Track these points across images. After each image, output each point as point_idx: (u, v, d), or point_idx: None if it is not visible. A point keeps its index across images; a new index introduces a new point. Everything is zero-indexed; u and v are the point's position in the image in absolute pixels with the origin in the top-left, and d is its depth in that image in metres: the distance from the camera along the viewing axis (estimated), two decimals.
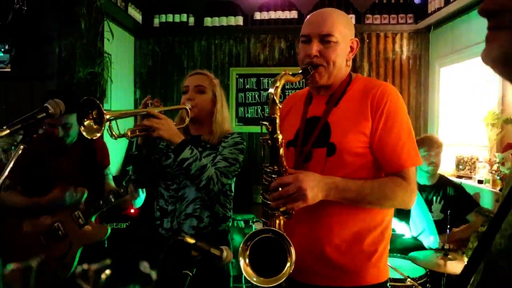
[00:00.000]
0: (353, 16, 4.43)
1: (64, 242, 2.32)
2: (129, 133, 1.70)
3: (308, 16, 1.61)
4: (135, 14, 4.47)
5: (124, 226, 3.26)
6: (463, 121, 4.09)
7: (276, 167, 1.41)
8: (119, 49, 4.49)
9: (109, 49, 3.93)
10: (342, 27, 1.53)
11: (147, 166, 1.99)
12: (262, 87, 4.77)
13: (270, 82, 4.56)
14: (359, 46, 1.63)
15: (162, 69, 4.97)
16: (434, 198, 3.08)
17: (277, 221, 1.44)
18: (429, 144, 3.13)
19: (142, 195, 2.28)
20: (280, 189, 1.36)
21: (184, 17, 4.73)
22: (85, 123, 1.57)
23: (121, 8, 4.11)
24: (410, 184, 1.47)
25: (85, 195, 2.35)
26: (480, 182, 3.48)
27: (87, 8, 3.22)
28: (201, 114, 2.06)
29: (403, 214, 3.20)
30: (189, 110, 2.00)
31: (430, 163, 3.10)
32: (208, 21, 4.70)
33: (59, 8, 3.32)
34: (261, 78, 4.79)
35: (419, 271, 2.65)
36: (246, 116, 4.79)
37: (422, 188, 3.14)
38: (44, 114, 1.38)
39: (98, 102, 1.54)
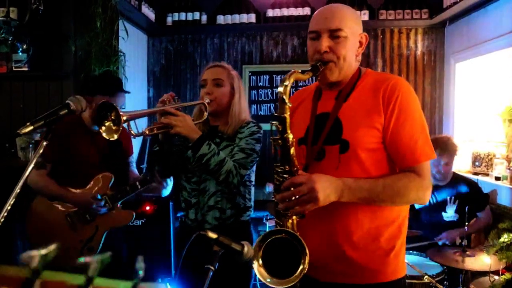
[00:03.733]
0: (366, 12, 4.39)
1: (91, 226, 2.38)
2: (147, 131, 1.74)
3: (315, 12, 1.59)
4: (149, 12, 4.49)
5: (140, 224, 3.28)
6: (479, 117, 4.04)
7: (287, 167, 1.40)
8: (132, 48, 4.51)
9: (123, 47, 3.96)
10: (351, 22, 1.51)
11: (170, 160, 2.01)
12: (275, 85, 4.77)
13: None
14: (368, 41, 1.60)
15: (175, 67, 4.98)
16: (448, 198, 3.04)
17: (290, 221, 1.43)
18: (443, 149, 3.00)
19: (170, 183, 2.33)
20: (292, 189, 1.35)
21: (196, 15, 4.74)
22: (106, 124, 1.61)
23: (135, 7, 4.13)
24: (425, 180, 1.45)
25: (112, 181, 2.42)
26: (497, 179, 3.43)
27: (103, 7, 3.24)
28: (220, 107, 2.07)
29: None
30: (207, 105, 2.02)
31: (438, 171, 3.03)
32: (221, 19, 4.70)
33: (75, 7, 3.35)
34: (274, 76, 4.79)
35: (437, 268, 2.63)
36: (259, 113, 4.79)
37: (434, 188, 3.10)
38: (66, 110, 1.40)
39: (114, 104, 1.59)
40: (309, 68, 1.49)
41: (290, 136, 1.39)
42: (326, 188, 1.34)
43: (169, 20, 4.79)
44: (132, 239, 3.15)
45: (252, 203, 2.17)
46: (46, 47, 3.35)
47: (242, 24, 4.68)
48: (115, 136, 1.60)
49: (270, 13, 4.62)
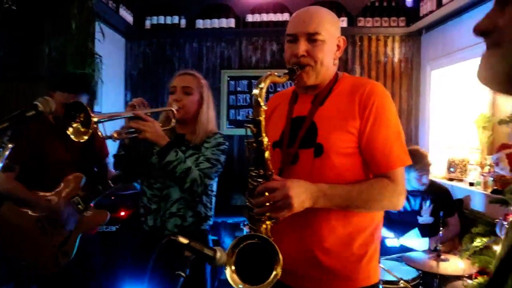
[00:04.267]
0: (345, 18, 4.45)
1: (64, 230, 2.30)
2: (115, 135, 1.72)
3: (293, 15, 1.57)
4: (126, 15, 4.44)
5: (114, 229, 3.21)
6: (454, 124, 4.11)
7: (262, 170, 1.38)
8: (110, 51, 4.45)
9: (100, 50, 3.89)
10: (329, 25, 1.50)
11: (135, 165, 1.99)
12: (253, 90, 4.75)
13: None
14: (346, 46, 1.60)
15: (153, 71, 4.93)
16: (424, 202, 3.09)
17: (264, 226, 1.41)
18: (421, 164, 3.12)
19: None
20: (266, 193, 1.33)
21: (175, 19, 4.71)
22: (73, 125, 1.57)
23: (112, 9, 4.08)
24: (398, 186, 1.44)
25: (83, 181, 2.35)
26: (471, 184, 3.49)
27: (78, 8, 3.18)
28: (187, 115, 2.08)
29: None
30: (175, 112, 2.01)
31: (423, 184, 3.13)
32: (200, 23, 4.68)
33: (50, 8, 3.28)
34: (253, 81, 4.78)
35: (412, 273, 2.65)
36: (237, 118, 4.78)
37: (411, 193, 3.15)
38: (34, 112, 1.36)
39: (85, 105, 1.54)
40: (286, 72, 1.47)
41: (265, 140, 1.37)
42: (301, 194, 1.32)
43: (147, 23, 4.75)
44: (106, 245, 3.09)
45: (213, 213, 2.18)
46: (20, 48, 3.27)
47: (222, 28, 4.67)
48: (85, 138, 1.55)
49: (250, 18, 4.62)
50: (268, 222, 1.43)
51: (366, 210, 1.47)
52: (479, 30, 0.57)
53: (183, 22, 4.71)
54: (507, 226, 1.73)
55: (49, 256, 2.24)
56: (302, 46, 1.48)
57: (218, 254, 1.22)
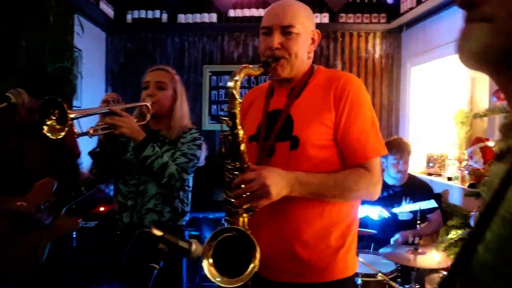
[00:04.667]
0: (327, 14, 4.47)
1: (33, 236, 2.24)
2: (91, 131, 1.70)
3: (268, 7, 1.58)
4: (107, 9, 4.39)
5: (93, 225, 3.18)
6: (433, 119, 4.17)
7: (238, 163, 1.38)
8: (90, 45, 4.39)
9: (80, 44, 3.84)
10: (304, 18, 1.51)
11: (110, 162, 1.98)
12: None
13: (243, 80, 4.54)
14: (321, 39, 1.61)
15: (134, 66, 4.88)
16: (403, 197, 3.11)
17: (241, 219, 1.41)
18: (399, 150, 3.13)
19: None
20: (243, 186, 1.33)
21: (157, 13, 4.67)
22: (48, 123, 1.54)
23: (92, 3, 4.03)
24: (374, 175, 1.46)
25: (55, 186, 2.28)
26: (449, 179, 3.55)
27: (56, 1, 3.13)
28: (161, 110, 2.08)
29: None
30: (150, 107, 2.00)
31: (399, 171, 3.14)
32: (182, 18, 4.65)
33: (27, 1, 3.21)
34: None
35: (390, 266, 2.68)
36: (220, 114, 4.76)
37: (391, 188, 3.18)
38: (5, 104, 1.34)
39: (60, 101, 1.52)
40: (261, 64, 1.48)
41: (241, 132, 1.37)
42: (278, 183, 1.33)
43: (128, 17, 4.70)
44: (84, 241, 3.06)
45: (189, 208, 2.18)
46: None
47: (203, 23, 4.65)
48: (61, 135, 1.53)
49: (232, 13, 4.60)
50: (245, 215, 1.44)
51: (343, 200, 1.48)
52: (465, 1, 0.52)
53: (164, 16, 4.67)
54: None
55: (17, 262, 2.17)
56: (277, 39, 1.48)
57: (194, 247, 1.22)
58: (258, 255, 1.30)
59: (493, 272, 0.47)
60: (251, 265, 1.31)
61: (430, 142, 4.15)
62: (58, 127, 1.54)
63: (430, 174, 3.92)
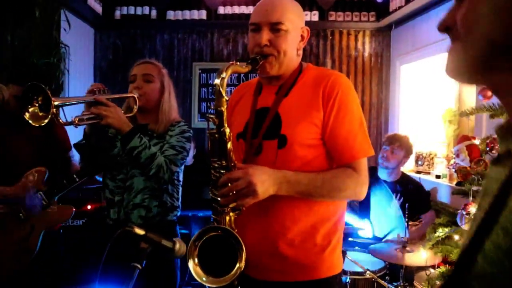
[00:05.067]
0: (316, 12, 4.46)
1: (25, 225, 2.20)
2: (76, 121, 1.67)
3: (257, 4, 1.56)
4: (95, 4, 4.33)
5: (80, 223, 3.15)
6: (422, 118, 4.18)
7: (224, 161, 1.37)
8: (78, 41, 4.34)
9: (67, 40, 3.79)
10: (293, 15, 1.49)
11: (96, 155, 1.94)
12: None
13: (233, 77, 4.52)
14: (310, 36, 1.59)
15: (123, 63, 4.83)
16: (394, 194, 3.13)
17: (227, 218, 1.41)
18: (388, 139, 3.23)
19: None
20: (229, 184, 1.32)
21: (146, 9, 4.63)
22: (30, 110, 1.52)
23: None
24: (361, 176, 1.45)
25: (46, 175, 2.26)
26: (437, 177, 3.57)
27: None
28: (149, 103, 2.05)
29: (364, 211, 3.24)
30: (137, 99, 1.98)
31: (382, 156, 3.20)
32: (171, 15, 4.61)
33: None
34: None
35: (379, 264, 2.69)
36: (210, 111, 4.73)
37: (382, 184, 3.19)
38: None
39: (44, 87, 1.49)
40: (249, 61, 1.46)
41: (227, 130, 1.37)
42: (265, 181, 1.32)
43: (117, 14, 4.65)
44: (71, 239, 3.02)
45: (180, 203, 2.14)
46: None
47: (193, 20, 4.61)
48: (45, 122, 1.50)
49: (221, 10, 4.58)
50: (232, 214, 1.43)
51: (330, 199, 1.47)
52: (442, 26, 0.60)
53: (153, 13, 4.63)
54: (466, 217, 1.77)
55: (9, 254, 2.15)
56: (265, 36, 1.46)
57: (177, 246, 1.21)
58: (244, 255, 1.29)
59: (493, 284, 0.46)
60: (237, 265, 1.30)
61: (419, 140, 4.17)
62: (41, 114, 1.52)
63: (419, 172, 3.94)
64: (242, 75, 4.33)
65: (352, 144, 1.45)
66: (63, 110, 1.61)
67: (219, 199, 1.37)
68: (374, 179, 3.18)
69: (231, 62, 1.39)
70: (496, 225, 0.48)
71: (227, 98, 1.35)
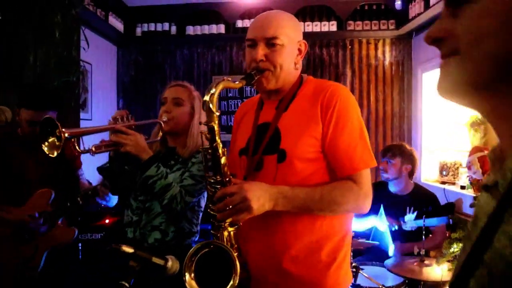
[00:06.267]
0: (334, 22, 4.42)
1: (30, 245, 2.27)
2: (93, 149, 1.71)
3: (253, 20, 1.57)
4: (116, 23, 4.45)
5: (99, 237, 3.20)
6: (446, 126, 4.06)
7: (219, 177, 1.37)
8: (101, 58, 4.48)
9: (89, 57, 3.90)
10: (288, 30, 1.49)
11: (119, 178, 1.97)
12: (245, 95, 4.74)
13: (253, 90, 4.54)
14: (306, 49, 1.57)
15: (145, 78, 4.93)
16: (408, 207, 3.03)
17: (225, 233, 1.40)
18: (390, 150, 3.18)
19: (113, 198, 2.28)
20: (226, 199, 1.32)
21: (166, 25, 4.72)
22: (50, 140, 1.60)
23: (101, 18, 4.10)
24: (363, 188, 1.42)
25: (52, 197, 2.32)
26: (462, 187, 3.44)
27: (62, 16, 3.19)
28: (177, 127, 2.04)
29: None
30: (162, 124, 1.99)
31: (380, 169, 3.17)
32: (190, 30, 4.69)
33: (36, 17, 3.28)
34: (244, 86, 4.75)
35: (397, 279, 2.60)
36: (229, 124, 4.76)
37: (394, 197, 3.11)
38: None
39: (55, 121, 1.57)
40: (242, 77, 1.47)
41: (220, 146, 1.37)
42: (260, 197, 1.31)
43: (138, 30, 4.76)
44: (89, 252, 3.07)
45: (199, 228, 2.11)
46: (4, 57, 3.27)
47: (212, 35, 4.67)
48: (55, 154, 1.57)
49: (240, 23, 4.61)
50: (231, 229, 1.42)
51: (331, 213, 1.44)
52: (431, 38, 0.55)
53: (173, 28, 4.71)
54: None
55: (13, 270, 2.21)
56: (261, 51, 1.47)
57: (170, 263, 1.21)
58: (238, 271, 1.28)
59: None
60: (230, 282, 1.29)
61: (443, 149, 4.05)
62: (57, 143, 1.59)
63: (443, 183, 3.81)
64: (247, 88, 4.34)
65: (352, 155, 1.43)
66: (82, 139, 1.68)
67: (216, 214, 1.37)
68: (385, 194, 3.11)
69: (222, 78, 1.39)
70: (482, 264, 0.46)
71: (217, 114, 1.36)
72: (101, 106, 4.47)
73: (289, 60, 1.51)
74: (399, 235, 2.98)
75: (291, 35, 1.50)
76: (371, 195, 1.46)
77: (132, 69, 4.96)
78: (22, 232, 2.25)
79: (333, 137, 1.42)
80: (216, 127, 1.35)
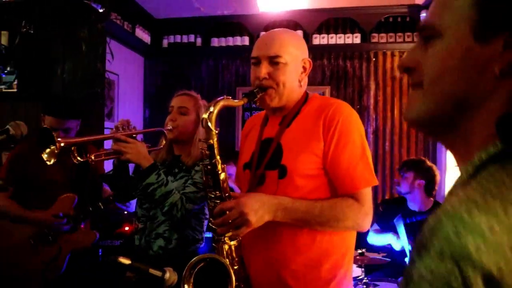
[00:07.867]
0: (358, 35, 4.41)
1: (54, 247, 2.38)
2: (92, 157, 1.75)
3: (257, 39, 1.61)
4: (143, 35, 4.60)
5: (118, 244, 3.28)
6: None
7: (218, 192, 1.40)
8: (128, 69, 4.61)
9: (117, 68, 4.03)
10: (292, 48, 1.51)
11: (122, 185, 2.02)
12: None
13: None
14: (312, 66, 1.60)
15: (170, 89, 4.99)
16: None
17: (226, 247, 1.42)
18: (400, 168, 3.21)
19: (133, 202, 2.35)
20: (227, 212, 1.34)
21: (192, 37, 4.83)
22: (51, 147, 1.67)
23: (128, 31, 4.24)
24: (364, 206, 1.42)
25: (75, 201, 2.43)
26: None
27: (89, 30, 3.32)
28: (182, 136, 2.07)
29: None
30: (166, 132, 2.03)
31: (398, 182, 3.16)
32: (215, 41, 4.78)
33: (65, 31, 3.43)
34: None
35: None
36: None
37: (414, 215, 3.06)
38: (5, 135, 1.44)
39: (50, 130, 1.65)
40: (245, 94, 1.50)
41: (219, 162, 1.40)
42: (258, 210, 1.33)
43: (164, 42, 4.90)
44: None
45: (204, 235, 2.13)
46: (35, 70, 3.42)
47: (236, 46, 4.75)
48: (51, 161, 1.63)
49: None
50: (231, 243, 1.45)
51: (331, 229, 1.45)
52: (402, 68, 0.58)
53: (199, 40, 4.82)
54: None
55: (37, 271, 2.31)
56: (264, 69, 1.50)
57: (167, 275, 1.24)
58: (233, 284, 1.31)
59: None
60: None
61: None
62: (56, 152, 1.66)
63: None
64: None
65: (352, 173, 1.43)
66: (82, 148, 1.76)
67: (216, 228, 1.40)
68: (406, 212, 3.06)
69: (221, 97, 1.43)
70: None
71: (216, 132, 1.39)
72: (127, 115, 4.58)
73: (293, 78, 1.53)
74: None
75: (294, 53, 1.52)
76: (371, 213, 1.46)
77: (159, 80, 5.08)
78: (46, 232, 2.37)
79: (334, 155, 1.43)
80: (215, 145, 1.38)
